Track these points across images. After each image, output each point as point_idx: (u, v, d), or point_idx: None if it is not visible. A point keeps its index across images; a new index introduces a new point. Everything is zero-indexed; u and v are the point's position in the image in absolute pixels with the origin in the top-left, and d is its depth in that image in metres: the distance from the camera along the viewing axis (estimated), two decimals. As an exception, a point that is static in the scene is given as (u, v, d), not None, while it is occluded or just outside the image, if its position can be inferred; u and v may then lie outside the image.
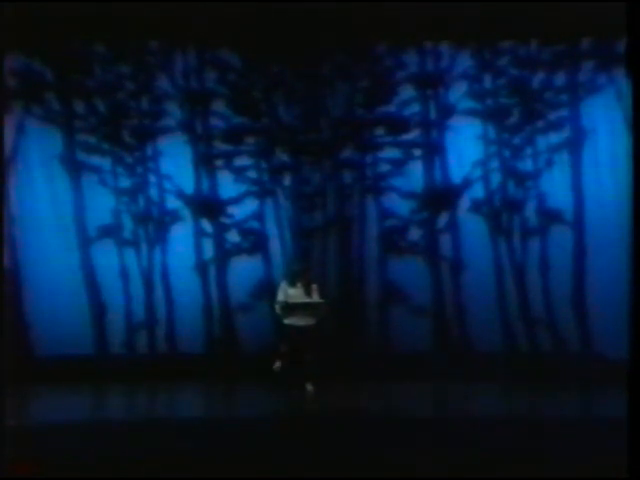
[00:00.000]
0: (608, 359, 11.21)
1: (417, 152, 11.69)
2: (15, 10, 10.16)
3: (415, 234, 11.64)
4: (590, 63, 11.45)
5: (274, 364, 10.37)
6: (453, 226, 11.63)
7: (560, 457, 6.97)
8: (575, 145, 11.53)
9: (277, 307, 10.50)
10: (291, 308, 10.38)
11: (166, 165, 11.64)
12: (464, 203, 11.63)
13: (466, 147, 11.65)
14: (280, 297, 10.48)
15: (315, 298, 10.43)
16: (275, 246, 11.63)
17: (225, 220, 11.70)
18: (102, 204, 11.52)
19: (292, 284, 10.49)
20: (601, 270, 11.42)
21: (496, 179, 11.64)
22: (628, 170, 11.24)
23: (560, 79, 11.51)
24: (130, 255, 11.57)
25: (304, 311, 10.38)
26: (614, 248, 11.30)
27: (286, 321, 10.44)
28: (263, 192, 11.70)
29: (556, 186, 11.58)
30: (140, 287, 11.57)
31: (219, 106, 11.65)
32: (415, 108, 11.66)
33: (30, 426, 8.54)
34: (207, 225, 11.69)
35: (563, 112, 11.53)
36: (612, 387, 10.48)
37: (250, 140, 11.71)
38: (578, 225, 11.56)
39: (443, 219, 11.65)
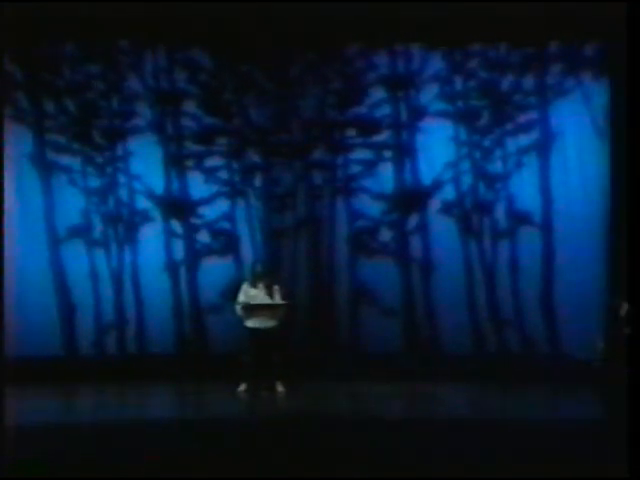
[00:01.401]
0: (576, 359, 11.32)
1: (388, 154, 11.73)
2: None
3: (385, 235, 11.68)
4: (558, 67, 11.54)
5: (239, 385, 10.37)
6: (423, 227, 11.69)
7: (527, 457, 7.03)
8: (543, 147, 11.61)
9: (238, 308, 10.49)
10: (252, 309, 10.39)
11: (136, 165, 11.61)
12: (434, 204, 11.68)
13: (436, 149, 11.69)
14: (241, 298, 10.48)
15: (276, 299, 10.44)
16: (246, 247, 11.64)
17: (196, 221, 11.69)
18: (72, 204, 11.49)
19: (253, 285, 10.50)
20: (569, 271, 11.52)
21: (466, 181, 11.71)
22: (599, 172, 11.46)
23: (529, 82, 11.59)
24: (100, 255, 11.54)
25: (265, 312, 10.39)
26: (582, 249, 11.44)
27: (248, 323, 10.44)
28: (234, 193, 11.71)
29: (525, 188, 11.66)
30: (110, 288, 11.55)
31: (190, 106, 11.63)
32: (386, 110, 11.70)
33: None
34: (177, 226, 11.68)
35: (532, 115, 11.61)
36: (580, 387, 10.64)
37: (221, 141, 11.71)
38: (547, 227, 11.65)
39: (413, 220, 11.70)
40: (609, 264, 11.41)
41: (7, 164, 11.25)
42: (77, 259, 11.50)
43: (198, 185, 11.69)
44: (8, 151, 11.28)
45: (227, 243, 11.68)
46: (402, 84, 11.67)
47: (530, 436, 7.99)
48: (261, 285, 10.49)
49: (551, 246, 11.63)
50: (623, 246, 11.10)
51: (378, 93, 11.67)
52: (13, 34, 10.82)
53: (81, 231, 11.52)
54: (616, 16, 10.72)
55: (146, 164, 11.62)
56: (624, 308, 9.92)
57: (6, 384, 7.65)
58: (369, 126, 11.67)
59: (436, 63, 11.63)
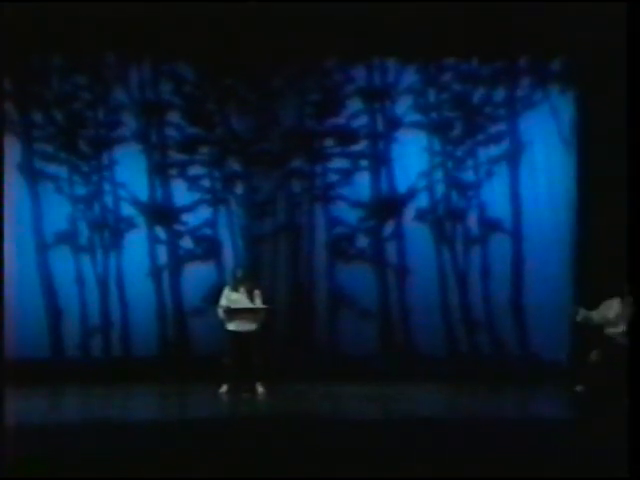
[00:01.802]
0: (544, 360, 11.32)
1: (364, 163, 11.71)
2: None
3: (362, 241, 11.66)
4: (527, 80, 11.57)
5: (221, 387, 10.29)
6: (398, 234, 11.67)
7: (497, 455, 6.97)
8: (513, 157, 11.63)
9: (220, 311, 10.42)
10: (233, 313, 10.31)
11: (121, 174, 11.54)
12: (409, 212, 11.67)
13: (411, 158, 11.69)
14: (222, 302, 10.41)
15: (257, 303, 10.37)
16: (227, 252, 11.59)
17: (179, 227, 11.62)
18: (59, 211, 11.41)
19: (235, 290, 10.43)
20: (537, 276, 11.54)
21: (439, 189, 11.71)
22: (566, 181, 11.47)
23: (499, 95, 11.62)
24: (86, 261, 11.46)
25: (246, 316, 10.30)
26: (549, 255, 11.46)
27: (229, 326, 10.36)
28: (216, 200, 11.65)
29: (495, 196, 11.67)
30: (95, 292, 11.47)
31: (173, 117, 11.58)
32: (363, 121, 11.68)
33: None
34: (161, 232, 11.61)
35: (502, 126, 11.64)
36: (547, 387, 10.65)
37: (203, 150, 11.66)
38: (516, 233, 11.66)
39: (389, 227, 11.68)
40: (575, 268, 11.42)
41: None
42: (64, 264, 11.43)
43: (181, 193, 11.63)
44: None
45: (209, 249, 11.63)
46: (378, 96, 11.67)
47: (501, 434, 7.97)
48: (242, 289, 10.42)
49: (520, 252, 11.64)
50: (588, 250, 11.19)
51: (355, 105, 11.67)
52: (3, 47, 10.74)
53: (68, 237, 11.45)
54: (582, 32, 10.78)
55: (131, 172, 11.55)
56: (580, 314, 9.90)
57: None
58: (346, 136, 11.66)
59: (410, 76, 11.64)
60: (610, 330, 9.79)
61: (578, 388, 9.86)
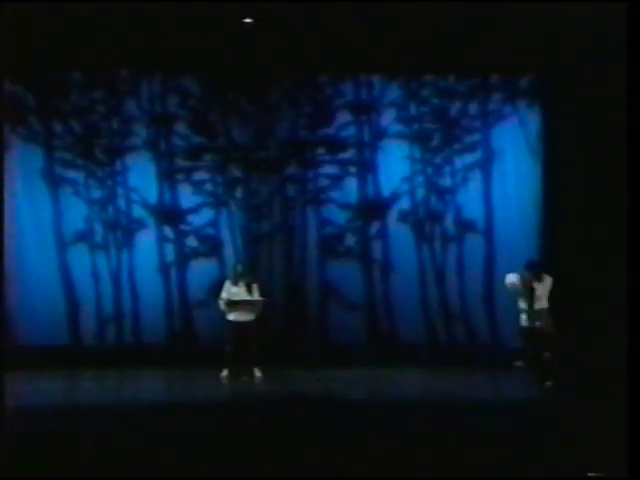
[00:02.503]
0: (514, 349, 11.34)
1: (352, 169, 11.73)
2: (3, 43, 10.06)
3: (350, 240, 11.67)
4: (498, 95, 11.62)
5: (222, 371, 10.33)
6: (383, 234, 11.71)
7: (470, 435, 7.02)
8: (486, 164, 11.67)
9: (221, 303, 10.46)
10: (233, 304, 10.34)
11: (133, 179, 11.54)
12: (393, 214, 11.69)
13: (394, 165, 11.72)
14: (224, 295, 10.44)
15: (255, 296, 10.41)
16: (228, 250, 11.59)
17: (185, 227, 11.62)
18: (76, 212, 11.40)
19: (235, 283, 10.46)
20: (507, 271, 11.50)
21: (420, 193, 11.73)
22: (532, 186, 11.50)
23: (474, 108, 11.64)
24: (101, 257, 11.46)
25: (245, 307, 10.35)
26: (519, 252, 11.42)
27: (229, 316, 10.40)
28: (218, 203, 11.66)
29: (470, 199, 11.70)
30: (109, 285, 11.47)
31: (180, 127, 11.58)
32: (351, 131, 11.70)
33: (12, 408, 8.40)
34: (169, 231, 11.61)
35: (476, 136, 11.65)
36: (515, 372, 10.68)
37: (207, 157, 11.65)
38: (488, 233, 11.71)
39: (374, 227, 11.71)
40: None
41: (20, 179, 11.23)
42: (81, 261, 11.40)
43: (187, 196, 11.62)
44: (21, 167, 11.25)
45: (212, 247, 11.62)
46: (365, 109, 11.67)
47: (473, 414, 8.03)
48: (241, 283, 10.45)
49: (492, 249, 11.67)
50: (552, 249, 11.26)
51: (344, 116, 11.68)
52: (26, 64, 10.77)
53: (84, 236, 11.42)
54: (548, 51, 10.85)
55: (141, 177, 11.54)
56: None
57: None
58: (336, 145, 11.66)
59: (394, 91, 11.65)
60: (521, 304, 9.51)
61: (517, 363, 9.80)
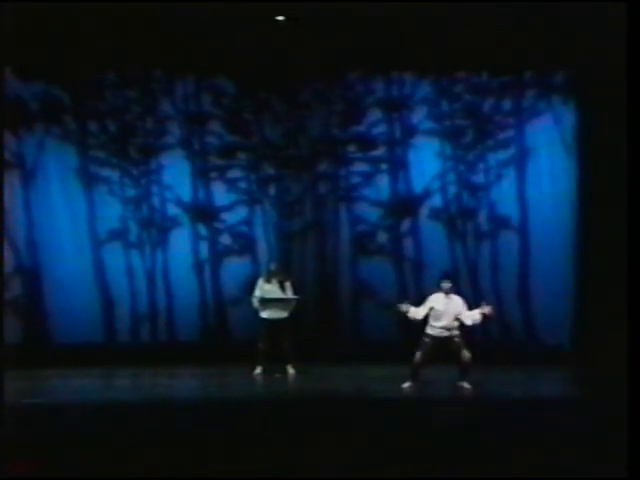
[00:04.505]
0: (548, 345, 11.26)
1: (384, 166, 11.68)
2: (39, 44, 10.15)
3: (382, 238, 11.63)
4: (532, 91, 11.47)
5: (255, 369, 10.32)
6: (415, 231, 11.64)
7: (507, 429, 6.95)
8: (520, 161, 11.54)
9: (254, 301, 10.45)
10: (266, 302, 10.34)
11: (167, 177, 11.56)
12: (424, 211, 11.61)
13: (426, 162, 11.63)
14: (257, 292, 10.43)
15: (288, 294, 10.39)
16: (262, 248, 11.59)
17: (218, 225, 11.64)
18: (111, 211, 11.43)
19: (268, 281, 10.45)
20: (543, 268, 11.46)
21: (452, 190, 11.65)
22: (567, 183, 11.38)
23: (507, 105, 11.52)
24: (135, 256, 11.49)
25: (278, 305, 10.33)
26: (554, 249, 11.38)
27: (262, 314, 10.39)
28: (252, 201, 11.66)
29: (504, 196, 11.58)
30: (144, 283, 11.50)
31: (214, 126, 11.58)
32: (382, 128, 11.64)
33: (48, 404, 8.49)
34: (203, 229, 11.63)
35: (509, 133, 11.53)
36: (553, 370, 10.56)
37: (241, 155, 11.65)
38: (522, 229, 11.58)
39: (406, 225, 11.64)
40: (575, 261, 11.34)
41: (55, 178, 11.27)
42: (116, 259, 11.44)
43: (221, 194, 11.64)
44: (57, 166, 11.31)
45: (245, 244, 11.64)
46: (396, 106, 11.61)
47: (508, 411, 7.95)
48: (274, 281, 10.45)
49: (526, 246, 11.56)
50: (587, 245, 11.13)
51: (375, 114, 11.62)
52: (61, 64, 10.87)
53: (119, 234, 11.46)
54: (582, 48, 10.70)
55: (176, 176, 11.56)
56: (404, 307, 9.46)
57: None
58: (367, 142, 11.62)
59: (425, 88, 11.57)
60: (433, 323, 9.34)
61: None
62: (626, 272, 10.70)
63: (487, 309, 9.36)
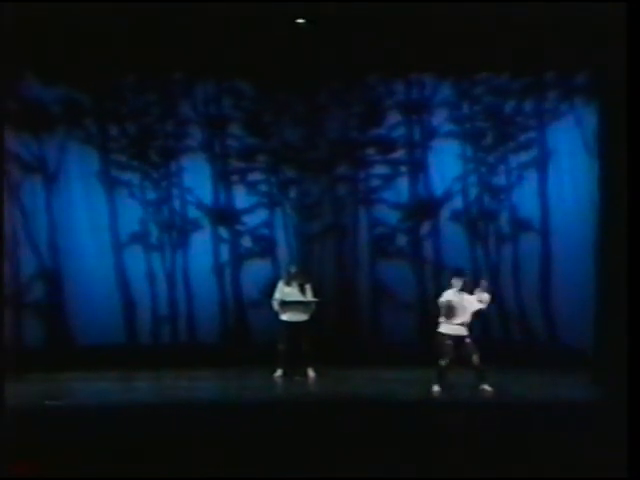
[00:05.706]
0: (572, 348, 11.16)
1: (403, 169, 11.66)
2: (60, 48, 10.22)
3: (401, 240, 11.62)
4: (554, 93, 11.38)
5: (276, 371, 10.32)
6: (435, 233, 11.61)
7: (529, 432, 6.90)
8: (541, 163, 11.47)
9: (274, 304, 10.46)
10: (286, 305, 10.33)
11: (188, 180, 11.60)
12: (445, 213, 11.59)
13: (446, 165, 11.61)
14: (277, 295, 10.44)
15: (308, 297, 10.39)
16: (282, 250, 11.60)
17: (239, 228, 11.67)
18: (132, 214, 11.49)
19: (288, 284, 10.45)
20: (565, 271, 11.37)
21: (473, 192, 11.61)
22: (589, 185, 11.29)
23: (528, 106, 11.44)
24: (156, 258, 11.54)
25: (298, 308, 10.33)
26: (576, 251, 11.26)
27: (282, 317, 10.40)
28: (272, 203, 11.69)
29: (525, 198, 11.52)
30: (164, 286, 11.55)
31: (234, 129, 11.62)
32: (402, 131, 11.62)
33: (69, 406, 8.53)
34: (223, 232, 11.67)
35: (531, 135, 11.46)
36: (575, 372, 10.47)
37: (261, 158, 11.69)
38: (544, 232, 11.51)
39: (426, 227, 11.62)
40: (598, 265, 11.22)
41: (76, 181, 11.31)
42: (136, 261, 11.50)
43: (241, 197, 11.67)
44: (78, 169, 11.35)
45: (266, 247, 11.66)
46: (416, 108, 11.59)
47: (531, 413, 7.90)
48: (294, 284, 10.46)
49: (548, 248, 11.48)
50: (610, 248, 11.02)
51: (395, 116, 11.61)
52: (82, 68, 10.93)
53: (140, 237, 11.51)
54: (604, 48, 10.60)
55: (196, 179, 11.61)
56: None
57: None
58: (387, 145, 11.61)
59: (446, 90, 11.53)
60: (450, 321, 9.31)
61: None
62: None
63: (485, 284, 9.35)
